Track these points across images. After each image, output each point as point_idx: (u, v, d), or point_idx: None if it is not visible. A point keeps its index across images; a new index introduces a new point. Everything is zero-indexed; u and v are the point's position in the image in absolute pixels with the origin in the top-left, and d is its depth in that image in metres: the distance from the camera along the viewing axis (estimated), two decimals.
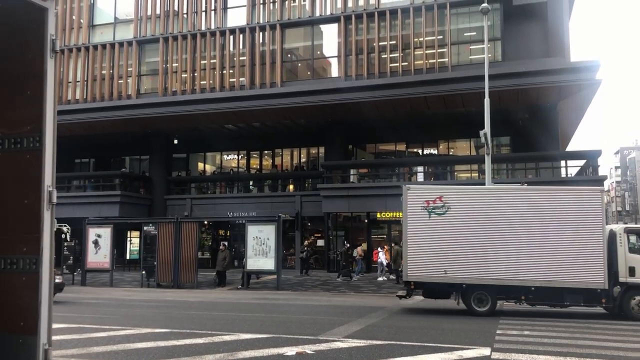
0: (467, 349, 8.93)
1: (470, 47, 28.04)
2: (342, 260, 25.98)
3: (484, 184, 20.75)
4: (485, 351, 8.71)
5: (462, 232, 14.00)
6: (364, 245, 28.54)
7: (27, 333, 2.98)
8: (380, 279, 24.46)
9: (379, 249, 25.60)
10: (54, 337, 9.04)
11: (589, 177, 24.84)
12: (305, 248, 27.48)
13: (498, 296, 14.15)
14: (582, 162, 27.13)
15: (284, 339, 9.64)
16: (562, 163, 27.14)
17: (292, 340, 9.49)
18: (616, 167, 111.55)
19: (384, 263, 25.00)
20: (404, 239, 14.48)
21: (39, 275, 3.03)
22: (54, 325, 10.01)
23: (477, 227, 13.97)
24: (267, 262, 21.38)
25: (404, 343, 9.41)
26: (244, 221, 25.05)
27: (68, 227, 20.12)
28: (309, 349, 8.73)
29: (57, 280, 18.27)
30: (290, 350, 8.55)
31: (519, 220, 13.82)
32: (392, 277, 24.02)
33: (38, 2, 2.98)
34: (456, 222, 14.07)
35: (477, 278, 13.88)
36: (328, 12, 29.49)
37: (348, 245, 26.71)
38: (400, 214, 28.08)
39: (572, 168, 27.18)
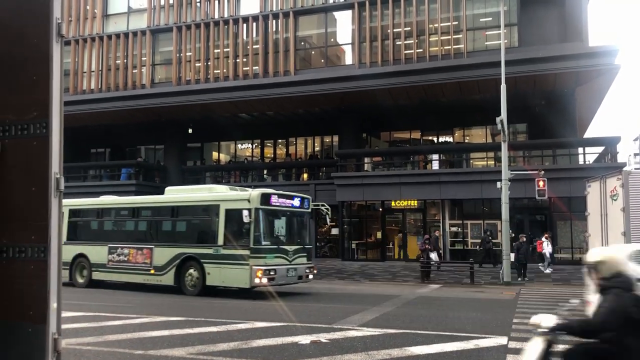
0: (484, 337, 8.83)
1: (486, 33, 27.63)
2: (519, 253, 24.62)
3: (500, 172, 20.56)
4: (502, 340, 8.60)
5: None
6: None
7: (36, 322, 2.94)
8: (547, 270, 22.57)
9: (544, 239, 23.43)
10: (69, 325, 9.14)
11: (608, 164, 24.43)
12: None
13: None
14: (600, 149, 26.72)
15: (299, 328, 9.61)
16: (580, 150, 26.80)
17: (307, 329, 9.46)
18: (635, 154, 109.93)
19: (548, 254, 22.92)
20: (626, 228, 13.22)
21: (47, 263, 2.99)
22: (70, 314, 10.12)
23: None
24: None
25: (419, 332, 9.34)
26: None
27: (327, 206, 18.24)
28: (323, 337, 8.69)
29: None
30: (305, 339, 8.52)
31: None
32: (548, 270, 22.27)
33: None
34: None
35: None
36: None
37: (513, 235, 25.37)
38: (415, 202, 28.33)
39: (590, 155, 26.81)
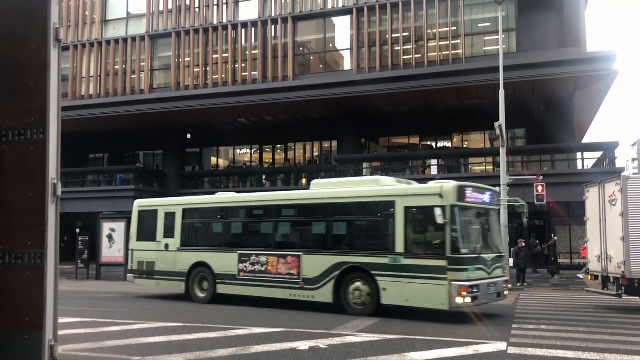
0: (483, 343, 8.80)
1: (485, 39, 27.70)
2: (550, 255, 24.05)
3: (499, 177, 20.54)
4: (502, 346, 8.57)
5: None
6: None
7: (32, 329, 2.92)
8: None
9: (587, 245, 23.59)
10: (67, 332, 9.10)
11: (606, 169, 24.45)
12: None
13: None
14: (599, 154, 26.76)
15: (297, 334, 9.57)
16: (579, 155, 26.77)
17: (305, 335, 9.43)
18: (633, 159, 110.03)
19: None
20: (625, 233, 13.13)
21: (44, 269, 2.97)
22: (67, 320, 10.08)
23: None
24: None
25: (418, 337, 9.30)
26: None
27: (523, 202, 15.39)
28: (322, 343, 8.66)
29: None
30: (303, 345, 8.48)
31: None
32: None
33: None
34: None
35: None
36: (340, 5, 29.30)
37: (555, 238, 24.77)
38: None
39: (588, 160, 26.83)
